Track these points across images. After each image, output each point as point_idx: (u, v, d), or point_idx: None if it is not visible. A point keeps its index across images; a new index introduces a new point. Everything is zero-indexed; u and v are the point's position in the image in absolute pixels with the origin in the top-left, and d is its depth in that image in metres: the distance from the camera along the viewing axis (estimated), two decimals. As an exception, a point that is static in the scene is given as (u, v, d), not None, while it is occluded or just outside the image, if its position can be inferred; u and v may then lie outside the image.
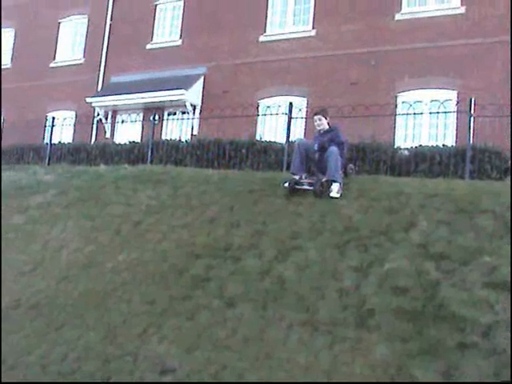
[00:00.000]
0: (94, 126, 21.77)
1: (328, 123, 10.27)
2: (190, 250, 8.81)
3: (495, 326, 5.89)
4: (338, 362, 6.05)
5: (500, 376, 5.32)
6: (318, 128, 10.31)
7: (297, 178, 9.83)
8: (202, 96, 19.92)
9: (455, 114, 14.14)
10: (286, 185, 9.78)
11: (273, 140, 14.30)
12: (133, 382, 6.62)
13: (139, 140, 17.31)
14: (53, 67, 24.06)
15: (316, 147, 9.99)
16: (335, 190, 9.43)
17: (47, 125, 19.30)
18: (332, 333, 6.43)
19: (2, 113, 20.75)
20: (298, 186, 9.72)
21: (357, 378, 5.76)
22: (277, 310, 7.05)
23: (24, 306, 8.67)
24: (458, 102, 13.56)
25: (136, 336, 7.35)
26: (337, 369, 5.97)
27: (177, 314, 7.52)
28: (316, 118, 10.31)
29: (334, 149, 9.66)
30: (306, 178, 9.86)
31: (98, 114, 21.59)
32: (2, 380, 6.61)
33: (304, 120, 15.52)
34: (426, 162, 11.77)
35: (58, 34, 24.53)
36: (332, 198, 9.37)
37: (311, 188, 9.54)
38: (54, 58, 24.21)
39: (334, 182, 9.49)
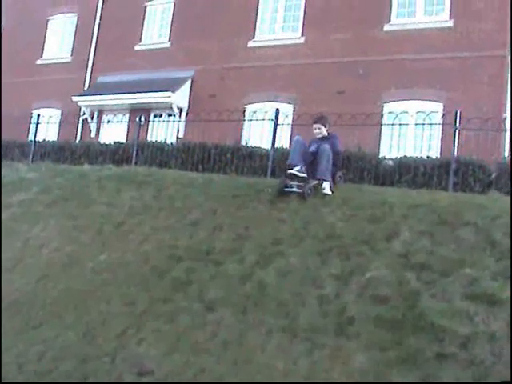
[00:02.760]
0: (80, 125, 21.72)
1: (327, 131, 10.36)
2: (171, 253, 8.78)
3: (474, 337, 5.90)
4: (316, 368, 6.05)
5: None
6: (318, 136, 10.35)
7: (297, 168, 9.76)
8: (189, 99, 19.93)
9: (440, 126, 14.19)
10: (271, 190, 9.80)
11: (258, 146, 14.29)
12: (111, 382, 6.59)
13: (124, 141, 17.26)
14: (40, 64, 23.96)
15: (312, 149, 10.02)
16: (327, 187, 9.55)
17: (32, 122, 19.22)
18: (311, 339, 6.43)
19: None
20: (286, 189, 9.73)
21: (335, 386, 5.77)
22: (257, 315, 7.04)
23: (2, 303, 8.60)
24: (443, 115, 13.63)
25: (115, 337, 7.31)
26: (315, 375, 5.97)
27: (156, 316, 7.49)
28: (316, 126, 10.38)
29: (326, 146, 9.74)
30: (303, 170, 9.81)
31: (84, 113, 21.55)
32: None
33: (290, 126, 15.53)
34: (410, 172, 11.82)
35: (46, 31, 24.45)
36: (325, 194, 9.57)
37: (300, 191, 9.55)
38: (42, 56, 24.13)
39: (325, 180, 9.58)
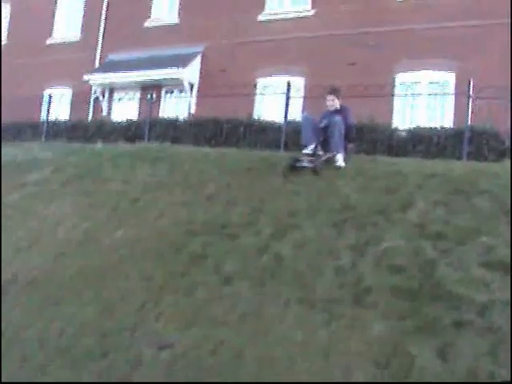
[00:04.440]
0: (91, 104, 21.70)
1: (340, 103, 10.34)
2: (187, 228, 8.82)
3: (491, 304, 5.91)
4: (334, 338, 6.08)
5: (495, 354, 5.35)
6: (330, 108, 10.33)
7: (311, 147, 9.78)
8: (200, 74, 19.83)
9: (453, 95, 14.11)
10: (285, 163, 9.81)
11: (270, 119, 14.27)
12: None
13: (136, 118, 17.28)
14: (49, 44, 23.90)
15: (324, 124, 10.01)
16: (341, 159, 9.56)
17: (44, 102, 19.27)
18: (329, 310, 6.46)
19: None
20: (298, 164, 9.73)
21: (353, 355, 5.80)
22: (274, 287, 7.07)
23: (21, 281, 8.68)
24: (456, 84, 13.54)
25: (133, 312, 7.36)
26: (333, 346, 5.99)
27: (174, 291, 7.53)
28: (329, 98, 10.36)
29: (337, 119, 9.75)
30: (317, 148, 9.82)
31: (95, 92, 21.50)
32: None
33: (302, 100, 15.48)
34: (424, 143, 11.79)
35: (54, 10, 24.35)
36: (339, 167, 9.62)
37: (311, 165, 9.55)
38: (51, 35, 24.05)
39: (338, 153, 9.61)
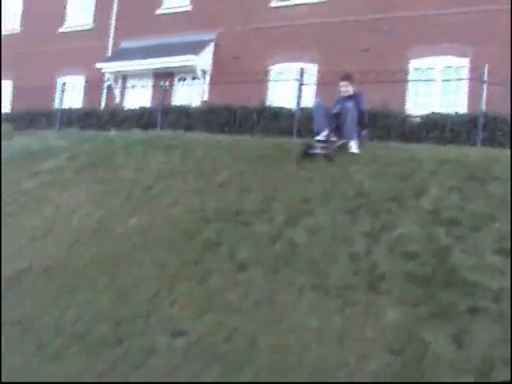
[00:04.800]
0: (104, 92, 21.74)
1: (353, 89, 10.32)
2: (200, 215, 8.83)
3: (506, 291, 5.89)
4: (348, 325, 6.08)
5: (510, 340, 5.32)
6: (343, 94, 10.30)
7: (324, 133, 9.77)
8: (213, 62, 19.82)
9: (467, 81, 14.02)
10: (297, 151, 9.79)
11: (283, 106, 14.24)
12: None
13: (149, 106, 17.30)
14: (62, 32, 23.92)
15: (337, 109, 9.99)
16: (354, 146, 9.56)
17: (57, 90, 19.32)
18: (343, 297, 6.45)
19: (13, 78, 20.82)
20: (311, 151, 9.70)
21: (367, 342, 5.79)
22: (288, 274, 7.06)
23: (36, 269, 8.74)
24: (470, 70, 13.45)
25: (147, 299, 7.38)
26: (347, 332, 5.99)
27: (188, 278, 7.54)
28: (343, 84, 10.33)
29: (349, 105, 9.73)
30: (330, 134, 9.81)
31: (108, 80, 21.54)
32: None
33: (315, 86, 15.44)
34: (438, 129, 11.74)
35: (66, -2, 24.39)
36: (352, 153, 9.61)
37: (324, 152, 9.52)
38: (63, 24, 24.07)
39: (352, 139, 9.61)
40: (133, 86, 20.36)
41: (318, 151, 9.65)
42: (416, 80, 14.71)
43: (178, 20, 20.75)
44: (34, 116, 18.07)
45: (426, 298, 6.08)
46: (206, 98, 18.70)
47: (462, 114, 12.37)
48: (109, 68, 21.38)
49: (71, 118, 16.86)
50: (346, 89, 10.30)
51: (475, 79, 11.97)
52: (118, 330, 7.01)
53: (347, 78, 10.39)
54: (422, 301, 6.05)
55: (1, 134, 14.05)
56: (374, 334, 5.87)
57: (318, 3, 18.18)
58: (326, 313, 6.33)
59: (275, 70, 18.10)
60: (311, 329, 6.17)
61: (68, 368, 6.60)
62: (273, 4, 19.01)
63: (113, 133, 13.77)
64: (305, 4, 18.42)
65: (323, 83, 13.69)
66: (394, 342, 5.68)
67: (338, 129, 9.90)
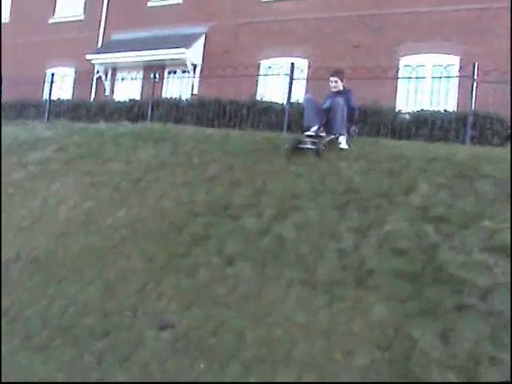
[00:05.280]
0: (94, 84, 21.66)
1: (343, 86, 10.33)
2: (189, 208, 8.82)
3: (493, 288, 5.90)
4: (336, 320, 6.09)
5: (497, 338, 5.35)
6: (333, 90, 10.32)
7: (314, 129, 9.78)
8: (203, 55, 19.77)
9: (457, 79, 14.03)
10: (287, 145, 9.78)
11: (274, 101, 14.22)
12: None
13: (139, 98, 17.25)
14: (52, 23, 23.81)
15: (326, 105, 10.01)
16: (343, 141, 9.58)
17: (46, 81, 19.21)
18: (331, 292, 6.46)
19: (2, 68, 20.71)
20: (300, 145, 9.71)
21: (355, 337, 5.81)
22: (276, 268, 7.07)
23: (24, 260, 8.72)
24: (460, 68, 13.47)
25: (135, 292, 7.39)
26: (335, 328, 6.00)
27: (176, 271, 7.55)
28: (332, 79, 10.34)
29: (339, 100, 9.73)
30: (320, 129, 9.83)
31: (98, 71, 21.46)
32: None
33: (305, 81, 15.43)
34: (427, 126, 11.74)
35: (57, -11, 24.27)
36: (342, 149, 9.60)
37: (314, 147, 9.52)
38: (54, 14, 23.95)
39: (341, 135, 9.60)
40: (123, 78, 20.30)
41: (307, 146, 9.65)
42: (406, 77, 14.68)
43: (170, 13, 20.69)
44: (24, 106, 17.99)
45: (414, 294, 6.10)
46: (196, 91, 18.64)
47: (452, 112, 12.37)
48: (99, 60, 21.29)
49: (61, 110, 16.77)
50: (336, 84, 10.31)
51: (465, 77, 11.96)
52: (105, 321, 7.02)
53: (337, 73, 10.41)
54: (410, 297, 6.07)
55: (1, 126, 13.97)
56: (361, 329, 5.88)
57: (309, -2, 18.17)
58: (313, 308, 6.35)
59: (266, 64, 18.06)
60: (299, 323, 6.19)
61: (54, 359, 6.61)
62: (264, -2, 18.98)
63: (102, 125, 13.71)
64: (296, -1, 18.41)
65: (314, 78, 13.66)
66: (381, 338, 5.71)
67: (327, 124, 9.91)
